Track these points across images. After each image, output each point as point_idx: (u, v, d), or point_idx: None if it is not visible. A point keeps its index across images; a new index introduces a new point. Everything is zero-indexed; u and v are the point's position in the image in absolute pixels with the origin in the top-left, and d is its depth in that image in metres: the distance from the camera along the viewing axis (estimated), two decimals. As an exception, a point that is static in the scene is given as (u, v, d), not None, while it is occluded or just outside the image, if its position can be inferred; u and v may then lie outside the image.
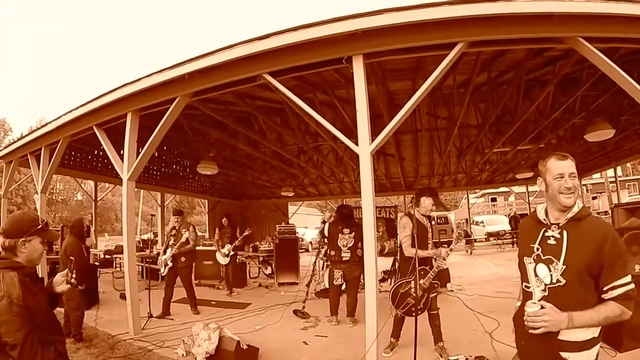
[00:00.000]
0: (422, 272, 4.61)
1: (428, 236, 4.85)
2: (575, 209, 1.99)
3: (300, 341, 5.68)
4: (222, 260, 9.55)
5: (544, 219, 2.08)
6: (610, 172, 18.95)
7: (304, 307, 7.20)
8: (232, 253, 9.37)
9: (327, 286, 8.21)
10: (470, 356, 4.35)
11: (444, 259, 4.64)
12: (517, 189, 22.13)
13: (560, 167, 2.01)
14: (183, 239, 7.12)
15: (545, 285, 1.97)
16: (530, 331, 1.93)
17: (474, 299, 7.77)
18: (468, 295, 8.16)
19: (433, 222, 5.10)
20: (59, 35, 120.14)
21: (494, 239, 20.57)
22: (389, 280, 9.91)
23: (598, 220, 2.04)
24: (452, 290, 8.69)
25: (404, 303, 4.64)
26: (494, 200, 40.28)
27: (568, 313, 1.85)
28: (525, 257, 2.12)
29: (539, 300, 1.95)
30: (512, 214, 22.60)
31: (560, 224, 2.00)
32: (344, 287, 6.75)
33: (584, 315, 1.85)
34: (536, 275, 2.03)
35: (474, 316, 6.45)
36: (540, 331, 1.89)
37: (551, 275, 1.95)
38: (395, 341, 5.09)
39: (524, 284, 2.13)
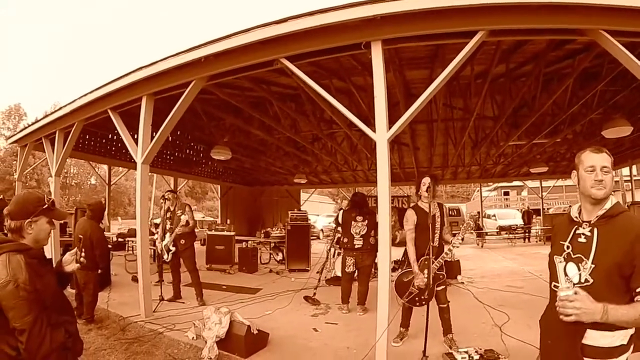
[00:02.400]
0: (426, 262, 4.54)
1: (436, 226, 4.68)
2: (608, 205, 1.91)
3: (310, 327, 5.70)
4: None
5: (576, 217, 2.01)
6: (625, 171, 18.71)
7: (314, 293, 7.23)
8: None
9: (338, 274, 8.22)
10: (480, 349, 4.32)
11: (448, 253, 4.60)
12: (530, 183, 21.93)
13: (592, 159, 1.94)
14: (183, 222, 6.82)
15: (574, 284, 1.88)
16: (562, 317, 1.83)
17: (484, 292, 7.73)
18: (478, 288, 8.12)
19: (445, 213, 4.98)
20: (68, 28, 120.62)
21: (506, 233, 20.38)
22: (400, 270, 9.89)
23: (632, 218, 1.95)
24: (462, 283, 8.66)
25: (408, 292, 4.63)
26: (506, 194, 39.92)
27: (604, 304, 1.75)
28: (555, 256, 2.04)
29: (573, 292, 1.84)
30: (525, 209, 22.40)
31: (592, 222, 1.93)
32: (355, 274, 6.75)
33: (620, 309, 1.74)
34: (566, 275, 1.95)
35: (484, 309, 6.40)
36: (572, 319, 1.79)
37: (580, 274, 1.88)
38: (405, 331, 5.08)
39: (553, 283, 2.04)
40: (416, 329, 4.96)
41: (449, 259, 4.74)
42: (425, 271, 4.49)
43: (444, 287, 4.80)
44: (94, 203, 6.31)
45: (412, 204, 4.99)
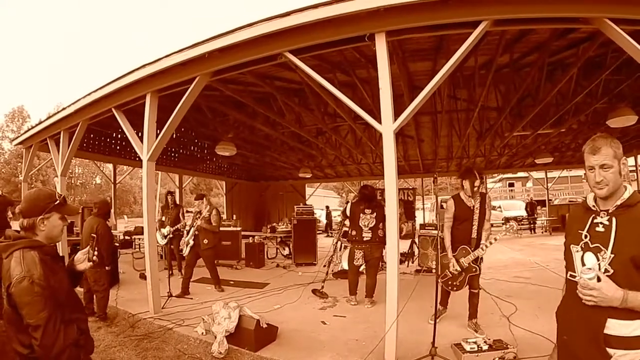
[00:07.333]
0: (463, 251, 4.83)
1: (474, 217, 4.92)
2: (626, 195, 1.90)
3: (319, 321, 5.72)
4: (161, 241, 9.33)
5: (594, 206, 1.99)
6: (630, 161, 18.63)
7: (322, 286, 7.25)
8: (171, 235, 8.91)
9: (344, 267, 8.25)
10: (489, 339, 4.33)
11: (484, 249, 4.77)
12: (535, 174, 21.85)
13: (590, 160, 1.94)
14: (205, 215, 7.30)
15: None
16: (584, 301, 1.83)
17: (492, 283, 7.72)
18: (485, 280, 8.07)
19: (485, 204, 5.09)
20: (73, 24, 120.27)
21: (511, 224, 20.35)
22: (406, 262, 9.93)
23: None
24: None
25: (444, 274, 4.89)
26: (511, 185, 39.92)
27: (625, 291, 1.74)
28: (572, 245, 2.01)
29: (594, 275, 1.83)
30: (529, 200, 22.36)
31: (610, 211, 1.90)
32: (362, 267, 6.77)
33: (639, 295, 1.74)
34: (583, 264, 1.93)
35: (491, 300, 6.40)
36: (590, 304, 1.81)
37: (599, 264, 1.86)
38: (443, 309, 5.31)
39: (569, 273, 2.01)
40: (424, 320, 5.07)
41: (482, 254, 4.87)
42: (462, 259, 4.79)
43: (477, 274, 4.97)
44: (99, 201, 6.42)
45: (453, 194, 5.12)
